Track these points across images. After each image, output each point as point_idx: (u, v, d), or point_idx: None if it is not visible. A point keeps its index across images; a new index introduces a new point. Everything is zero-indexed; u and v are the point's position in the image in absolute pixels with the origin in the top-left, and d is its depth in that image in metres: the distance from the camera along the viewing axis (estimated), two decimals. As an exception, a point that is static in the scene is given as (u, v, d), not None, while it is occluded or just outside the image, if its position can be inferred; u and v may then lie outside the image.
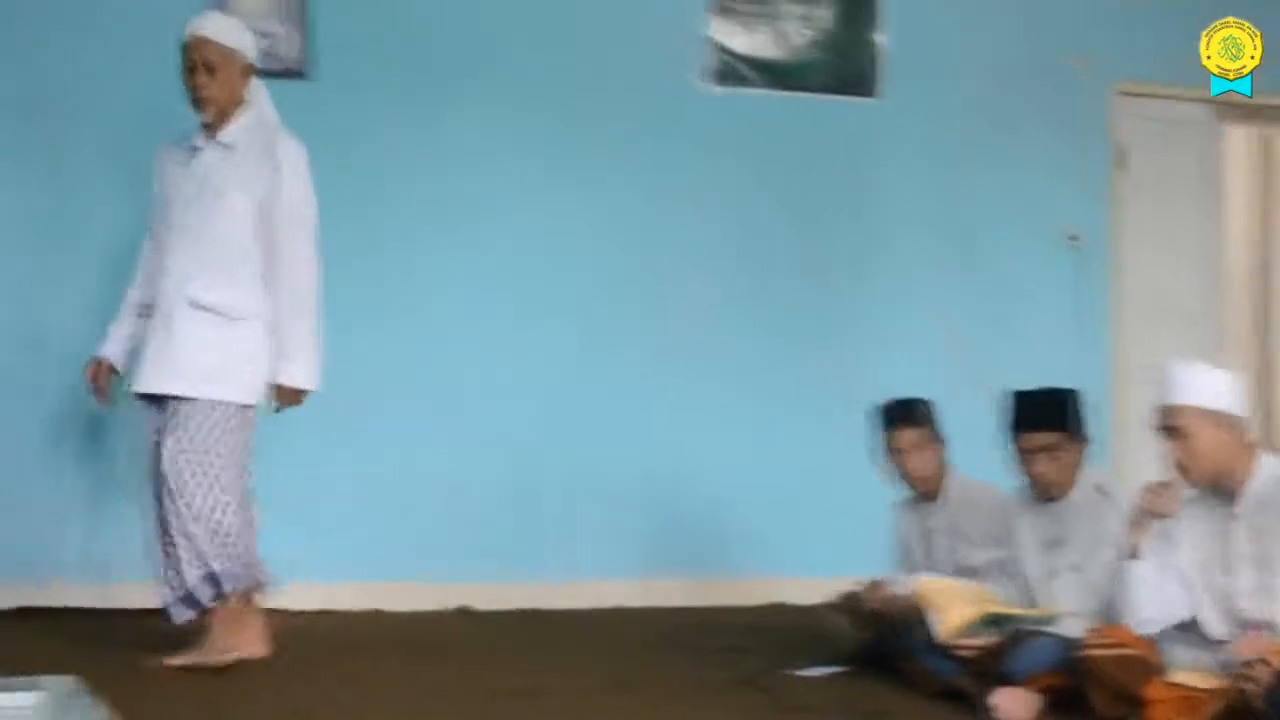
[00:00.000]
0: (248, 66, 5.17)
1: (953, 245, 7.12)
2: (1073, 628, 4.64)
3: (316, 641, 5.67)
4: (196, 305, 5.00)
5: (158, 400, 5.05)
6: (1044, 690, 4.56)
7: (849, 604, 5.44)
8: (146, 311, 5.17)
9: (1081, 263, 7.23)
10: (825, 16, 7.01)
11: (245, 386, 5.04)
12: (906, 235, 7.08)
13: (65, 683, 3.76)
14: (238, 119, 5.14)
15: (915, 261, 7.06)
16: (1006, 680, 4.60)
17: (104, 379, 5.22)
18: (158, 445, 5.02)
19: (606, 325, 6.67)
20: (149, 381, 5.02)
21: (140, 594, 5.52)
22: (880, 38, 7.05)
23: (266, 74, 6.21)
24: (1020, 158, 7.18)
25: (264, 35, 6.28)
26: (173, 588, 5.01)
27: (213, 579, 4.97)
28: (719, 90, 6.89)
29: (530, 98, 6.64)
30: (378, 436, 6.40)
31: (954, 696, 4.75)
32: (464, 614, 6.35)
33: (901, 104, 7.06)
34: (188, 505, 4.92)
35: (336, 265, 6.21)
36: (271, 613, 5.97)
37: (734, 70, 6.92)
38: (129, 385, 5.12)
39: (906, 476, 5.36)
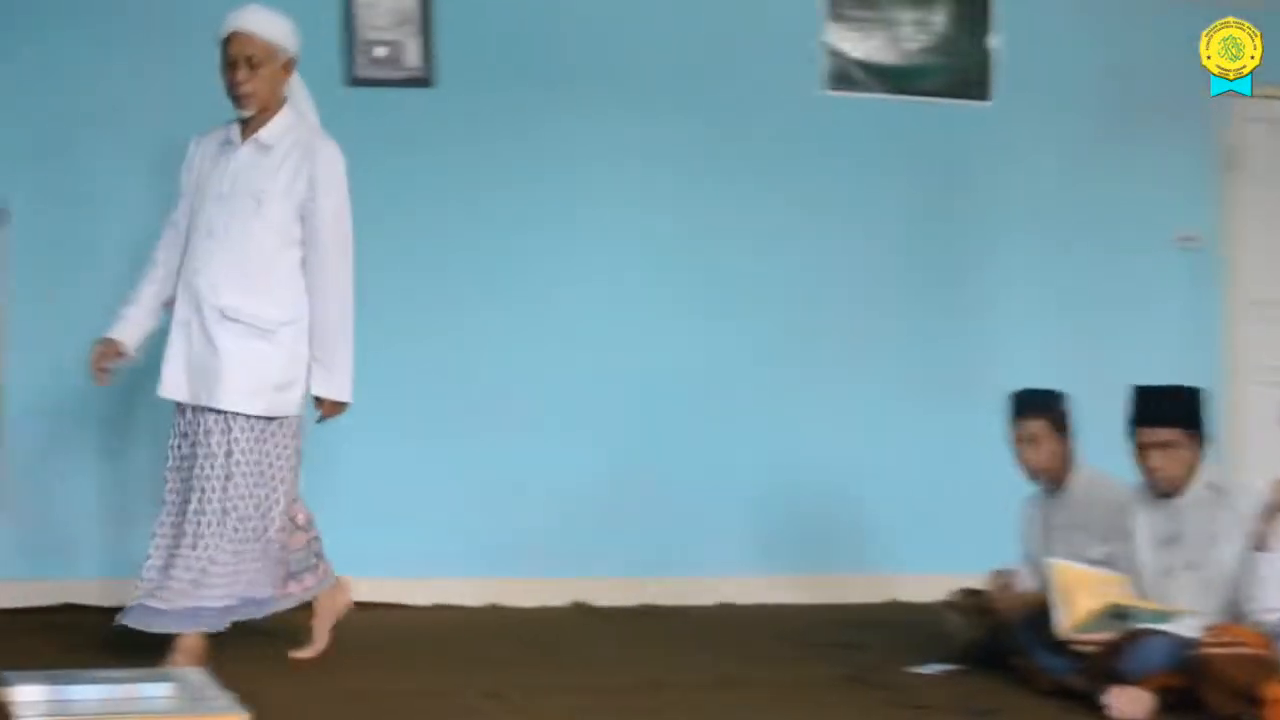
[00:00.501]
0: (290, 61, 4.97)
1: (1066, 247, 7.09)
2: (1189, 627, 4.63)
3: (434, 636, 5.76)
4: (229, 316, 4.86)
5: (186, 405, 4.94)
6: (1159, 690, 4.55)
7: (966, 601, 5.46)
8: (164, 304, 5.04)
9: (1195, 264, 7.18)
10: (939, 21, 7.03)
11: (279, 401, 4.92)
12: (1020, 236, 7.06)
13: (195, 674, 3.87)
14: (278, 118, 4.96)
15: (1029, 263, 7.05)
16: (1121, 679, 4.59)
17: (111, 360, 5.01)
18: (178, 448, 4.96)
19: (724, 323, 6.71)
20: (183, 390, 4.90)
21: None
22: (993, 42, 7.05)
23: (392, 83, 6.42)
24: (1133, 159, 7.13)
25: (388, 44, 6.43)
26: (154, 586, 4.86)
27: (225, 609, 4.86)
28: (834, 95, 6.92)
29: (649, 103, 6.69)
30: (498, 433, 6.46)
31: (1067, 695, 4.76)
32: (580, 609, 6.40)
33: (1014, 107, 7.05)
34: (202, 519, 4.84)
35: (462, 264, 6.43)
36: (391, 608, 6.12)
37: (849, 75, 6.94)
38: (160, 390, 4.96)
39: (1025, 466, 5.37)
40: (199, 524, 4.83)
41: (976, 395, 6.39)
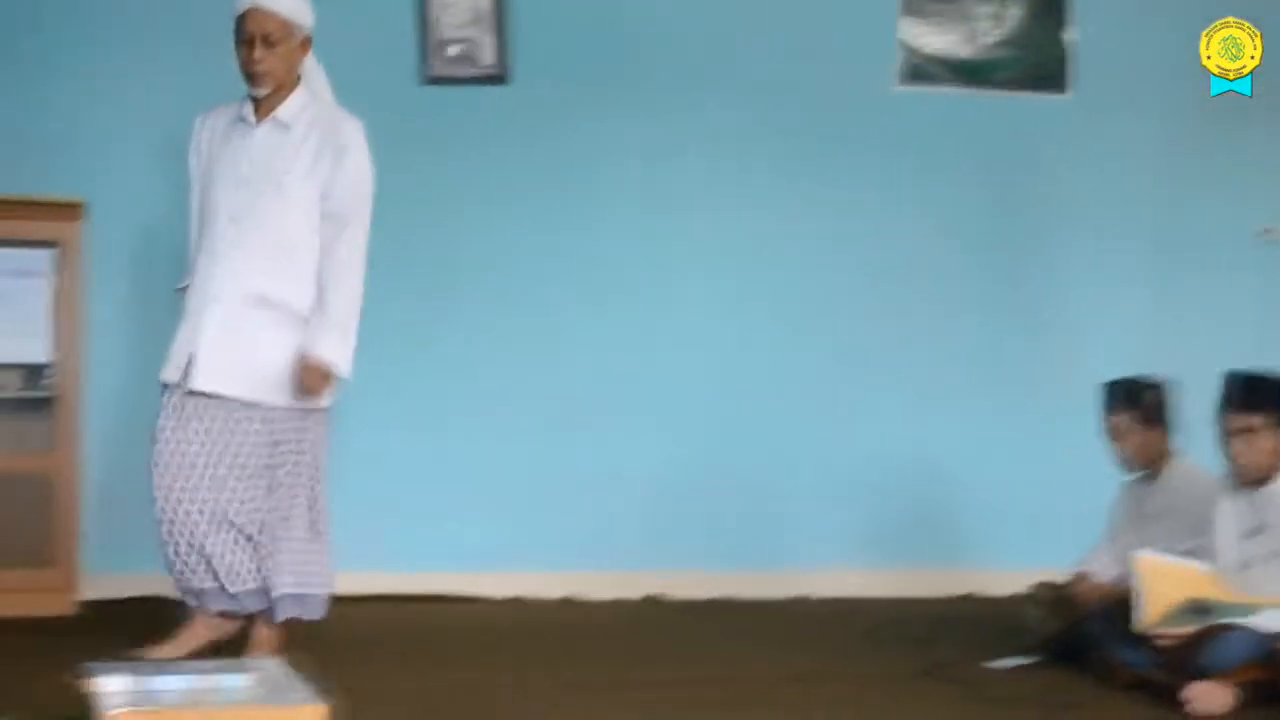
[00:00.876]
0: (307, 39, 4.84)
1: (1145, 240, 7.03)
2: (1272, 619, 4.59)
3: (509, 629, 5.80)
4: (261, 304, 4.73)
5: (198, 394, 4.74)
6: (1241, 684, 4.52)
7: (1046, 594, 5.42)
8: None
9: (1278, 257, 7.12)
10: (1015, 15, 6.98)
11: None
12: (1099, 230, 7.00)
13: (275, 665, 3.90)
14: (294, 96, 4.81)
15: (1107, 257, 6.98)
16: (1202, 673, 4.56)
17: None
18: (195, 433, 4.74)
19: (800, 317, 6.70)
20: (213, 379, 4.72)
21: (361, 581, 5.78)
22: (1070, 34, 7.01)
23: (467, 81, 6.45)
24: (1213, 152, 7.03)
25: (463, 43, 6.47)
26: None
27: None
28: (909, 90, 6.90)
29: (721, 100, 6.67)
30: (575, 427, 6.49)
31: (1147, 689, 4.72)
32: (656, 602, 6.40)
33: (1092, 100, 6.99)
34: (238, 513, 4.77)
35: (537, 259, 6.47)
36: (467, 601, 6.13)
37: (924, 70, 6.92)
38: (165, 376, 4.81)
39: (1117, 457, 5.33)
40: (268, 514, 4.80)
41: (1055, 390, 6.36)
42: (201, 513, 4.76)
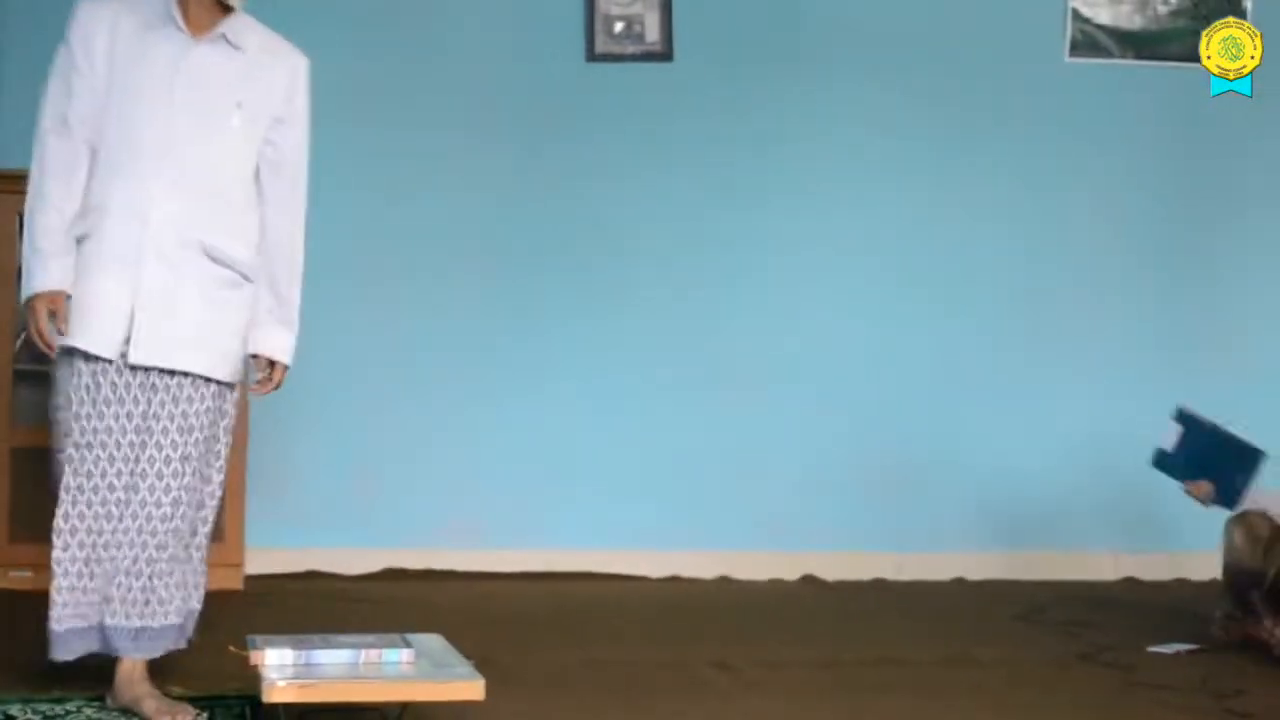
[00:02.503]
0: None
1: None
2: None
3: (666, 607, 5.83)
4: (209, 256, 3.93)
5: (139, 369, 3.90)
6: None
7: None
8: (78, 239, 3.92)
9: None
10: (1190, -15, 6.87)
11: (240, 365, 4.08)
12: (1275, 207, 6.86)
13: (434, 640, 3.98)
14: (240, 14, 3.96)
15: (1282, 234, 6.87)
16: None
17: (63, 320, 3.89)
18: (114, 416, 3.88)
19: (961, 297, 6.64)
20: (141, 347, 3.86)
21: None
22: (1247, 2, 6.85)
23: (631, 57, 6.49)
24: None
25: (628, 19, 6.50)
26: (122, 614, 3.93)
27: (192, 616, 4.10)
28: (1080, 62, 6.80)
29: (888, 74, 6.62)
30: (732, 408, 6.47)
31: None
32: (811, 583, 6.40)
33: (1270, 72, 6.81)
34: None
35: (701, 237, 6.48)
36: (624, 579, 6.17)
37: (1096, 41, 6.81)
38: (90, 346, 3.86)
39: None
40: (173, 517, 3.95)
41: (1224, 372, 6.25)
42: (165, 521, 3.96)
